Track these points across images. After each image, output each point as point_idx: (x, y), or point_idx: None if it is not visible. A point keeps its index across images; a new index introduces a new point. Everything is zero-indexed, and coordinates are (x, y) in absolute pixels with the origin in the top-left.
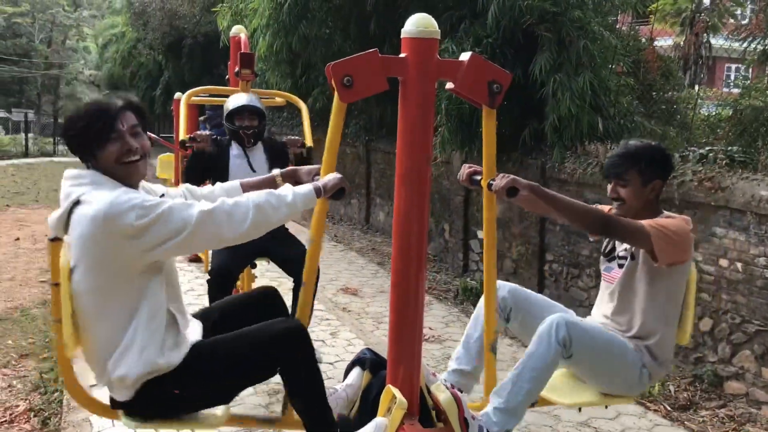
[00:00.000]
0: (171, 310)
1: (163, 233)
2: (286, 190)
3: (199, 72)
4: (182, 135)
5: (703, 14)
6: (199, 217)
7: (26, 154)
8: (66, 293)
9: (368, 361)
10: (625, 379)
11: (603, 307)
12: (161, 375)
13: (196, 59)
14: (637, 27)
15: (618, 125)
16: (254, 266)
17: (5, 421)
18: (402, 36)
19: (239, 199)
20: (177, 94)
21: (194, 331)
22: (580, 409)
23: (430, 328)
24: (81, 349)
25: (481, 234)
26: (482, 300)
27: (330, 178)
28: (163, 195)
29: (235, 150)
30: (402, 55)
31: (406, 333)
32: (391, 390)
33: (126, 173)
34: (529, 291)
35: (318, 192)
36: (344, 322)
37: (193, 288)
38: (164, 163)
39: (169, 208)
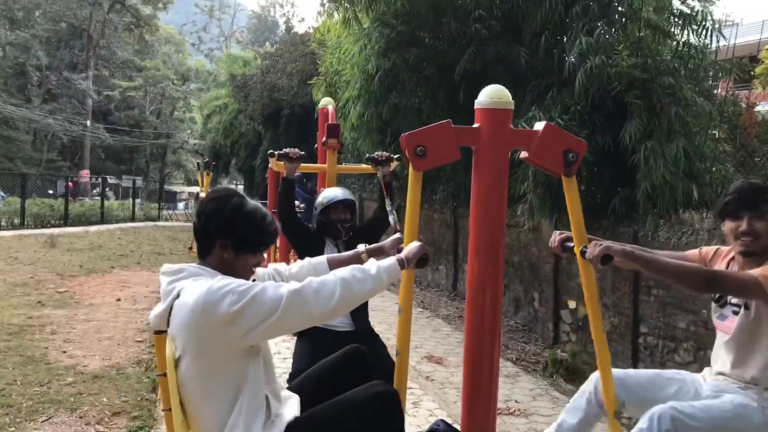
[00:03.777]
0: (266, 393)
1: (256, 316)
2: (371, 264)
3: (295, 141)
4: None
5: None
6: (289, 297)
7: (133, 219)
8: (173, 383)
9: None
10: None
11: (720, 361)
12: None
13: (293, 129)
14: (736, 92)
15: (715, 193)
16: None
17: None
18: (475, 107)
19: (326, 277)
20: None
21: (292, 408)
22: None
23: (516, 401)
24: None
25: (572, 304)
26: (585, 387)
27: (411, 247)
28: (253, 279)
29: (329, 245)
30: (475, 125)
31: (480, 406)
32: None
33: (242, 275)
34: (637, 372)
35: (401, 264)
36: (427, 392)
37: (279, 351)
38: None
39: (260, 290)
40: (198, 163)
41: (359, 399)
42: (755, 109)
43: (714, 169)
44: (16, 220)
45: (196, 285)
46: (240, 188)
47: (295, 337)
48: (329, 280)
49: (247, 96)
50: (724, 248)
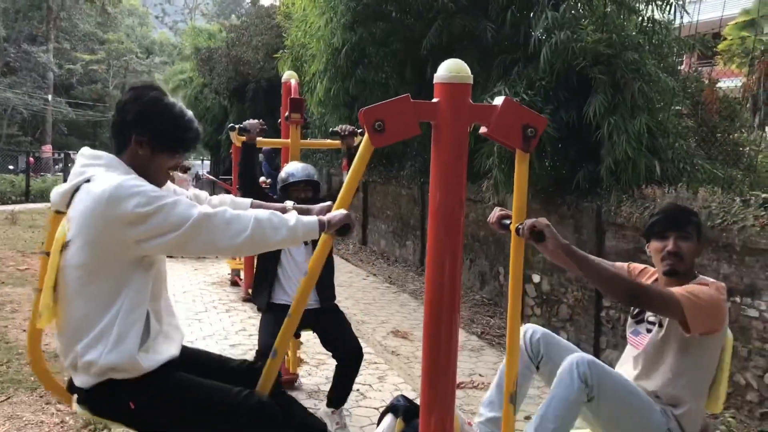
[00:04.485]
0: (148, 309)
1: (158, 226)
2: (291, 215)
3: (261, 115)
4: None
5: None
6: (198, 219)
7: None
8: (54, 265)
9: (401, 409)
10: None
11: (626, 372)
12: (124, 379)
13: (259, 103)
14: (699, 68)
15: (677, 168)
16: (298, 336)
17: None
18: (434, 81)
19: (242, 212)
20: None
21: (173, 343)
22: None
23: (480, 375)
24: (56, 324)
25: (537, 278)
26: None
27: (336, 213)
28: None
29: None
30: (434, 100)
31: (439, 380)
32: None
33: (156, 179)
34: (559, 338)
35: (322, 225)
36: (392, 366)
37: (245, 328)
38: None
39: (172, 202)
40: None
41: (247, 406)
42: (717, 85)
43: (676, 144)
44: None
45: (108, 176)
46: (206, 164)
47: (260, 313)
48: (244, 216)
49: (212, 70)
50: (651, 268)
